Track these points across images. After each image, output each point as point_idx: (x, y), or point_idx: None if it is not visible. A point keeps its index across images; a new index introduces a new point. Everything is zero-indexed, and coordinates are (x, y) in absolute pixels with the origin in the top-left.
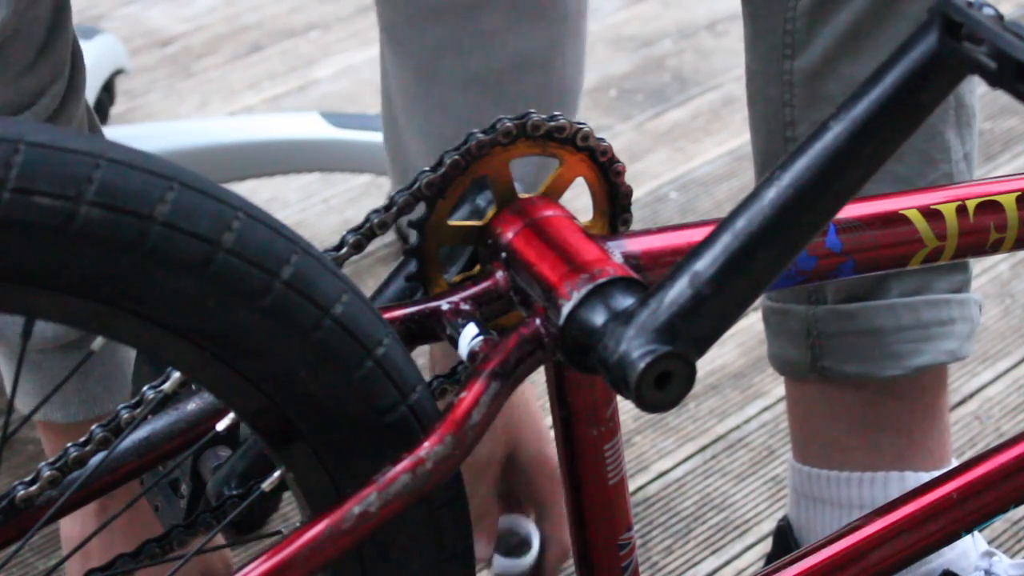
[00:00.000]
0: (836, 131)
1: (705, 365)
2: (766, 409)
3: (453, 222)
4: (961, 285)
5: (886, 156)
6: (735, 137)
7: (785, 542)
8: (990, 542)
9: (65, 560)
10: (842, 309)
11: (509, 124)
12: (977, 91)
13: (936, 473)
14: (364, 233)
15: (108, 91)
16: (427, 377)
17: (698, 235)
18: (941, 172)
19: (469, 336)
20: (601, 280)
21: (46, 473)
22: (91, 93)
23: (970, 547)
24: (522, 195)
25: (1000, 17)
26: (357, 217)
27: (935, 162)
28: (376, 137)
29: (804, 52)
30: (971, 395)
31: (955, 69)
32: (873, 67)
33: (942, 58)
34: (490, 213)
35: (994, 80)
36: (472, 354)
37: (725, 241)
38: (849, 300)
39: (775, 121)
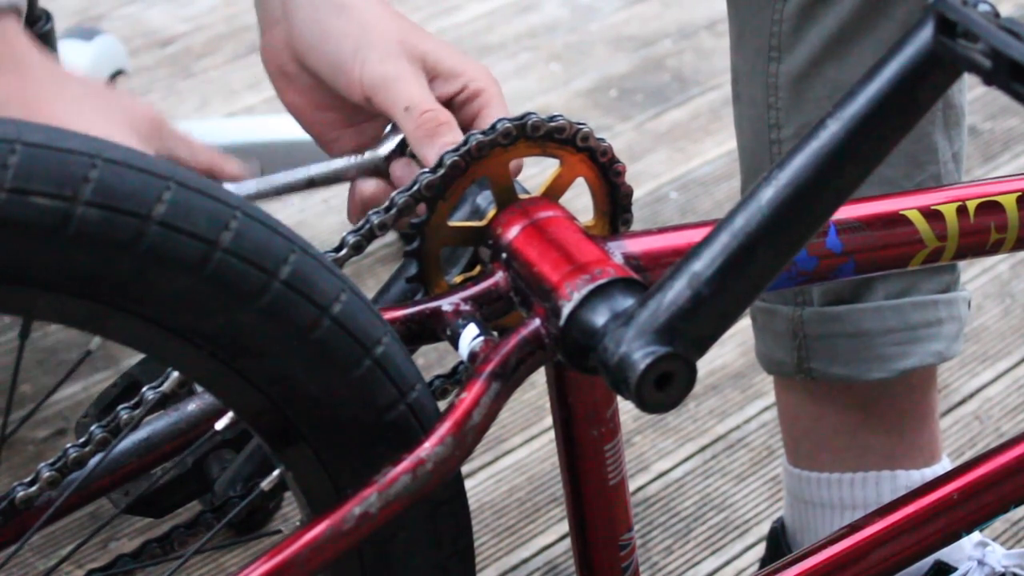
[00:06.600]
0: (832, 130)
1: (705, 365)
2: (766, 409)
3: (453, 223)
4: (949, 285)
5: (883, 155)
6: (735, 137)
7: (777, 544)
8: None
9: (65, 560)
10: (828, 311)
11: (509, 124)
12: (967, 91)
13: (927, 470)
14: (364, 234)
15: None
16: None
17: (698, 235)
18: (929, 174)
19: (470, 337)
20: (601, 281)
21: (46, 474)
22: None
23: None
24: (522, 195)
25: (995, 15)
26: None
27: (922, 164)
28: None
29: (790, 55)
30: (971, 395)
31: (950, 68)
32: (859, 70)
33: (937, 56)
34: (490, 214)
35: (989, 79)
36: (472, 355)
37: (724, 241)
38: (835, 302)
39: (760, 122)
